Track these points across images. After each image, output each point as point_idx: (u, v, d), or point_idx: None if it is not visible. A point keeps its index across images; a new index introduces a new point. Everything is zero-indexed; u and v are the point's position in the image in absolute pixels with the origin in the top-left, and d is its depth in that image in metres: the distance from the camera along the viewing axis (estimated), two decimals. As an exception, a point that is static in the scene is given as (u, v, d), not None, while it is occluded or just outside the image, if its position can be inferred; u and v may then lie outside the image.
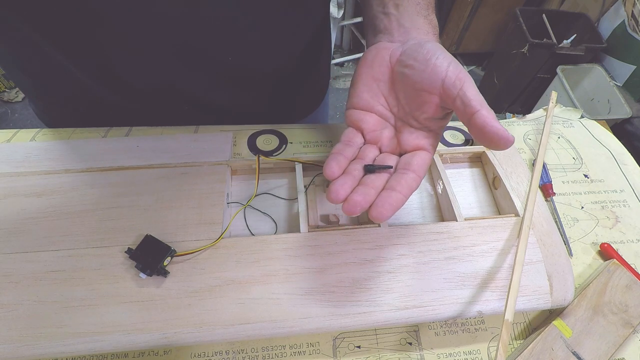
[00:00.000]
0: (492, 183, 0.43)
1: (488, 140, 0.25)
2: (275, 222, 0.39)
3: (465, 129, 0.51)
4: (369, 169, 0.29)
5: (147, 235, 0.33)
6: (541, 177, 0.44)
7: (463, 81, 0.27)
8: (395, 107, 0.32)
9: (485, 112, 0.25)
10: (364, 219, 0.40)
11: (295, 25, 0.44)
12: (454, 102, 0.27)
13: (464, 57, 1.95)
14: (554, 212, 0.44)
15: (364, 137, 0.32)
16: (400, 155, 0.31)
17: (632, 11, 1.36)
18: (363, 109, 0.32)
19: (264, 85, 0.49)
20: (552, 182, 0.46)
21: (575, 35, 1.46)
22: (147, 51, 0.39)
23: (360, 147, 0.32)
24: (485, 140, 0.25)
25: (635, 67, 1.38)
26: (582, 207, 0.46)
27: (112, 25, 0.35)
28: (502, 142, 0.24)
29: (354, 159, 0.30)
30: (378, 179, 0.28)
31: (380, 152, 0.32)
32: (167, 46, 0.39)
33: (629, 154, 0.51)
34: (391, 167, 0.29)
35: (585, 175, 0.48)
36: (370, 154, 0.31)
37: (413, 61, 0.29)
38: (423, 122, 0.30)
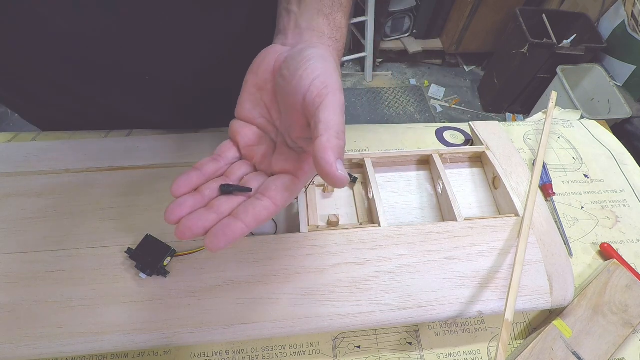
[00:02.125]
0: (492, 183, 0.43)
1: (320, 174, 0.21)
2: (275, 222, 0.39)
3: (465, 128, 0.51)
4: (225, 190, 0.26)
5: (147, 235, 0.33)
6: (541, 177, 0.44)
7: (323, 98, 0.22)
8: (278, 121, 0.29)
9: (324, 140, 0.21)
10: (364, 219, 0.40)
11: (214, 29, 0.39)
12: (310, 122, 0.23)
13: (464, 57, 1.95)
14: (554, 212, 0.44)
15: (240, 152, 0.30)
16: (271, 174, 0.28)
17: (632, 11, 1.36)
18: (244, 120, 0.29)
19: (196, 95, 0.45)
20: (552, 182, 0.46)
21: (575, 35, 1.46)
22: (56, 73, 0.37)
23: (233, 163, 0.29)
24: (319, 173, 0.21)
25: (635, 67, 1.38)
26: (582, 207, 0.46)
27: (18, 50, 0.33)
28: (330, 179, 0.20)
29: (218, 177, 0.28)
30: (227, 203, 0.25)
31: (256, 170, 0.29)
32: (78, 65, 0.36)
33: (629, 154, 0.51)
34: (250, 189, 0.26)
35: (585, 175, 0.48)
36: (239, 172, 0.28)
37: (287, 70, 0.25)
38: (296, 141, 0.27)
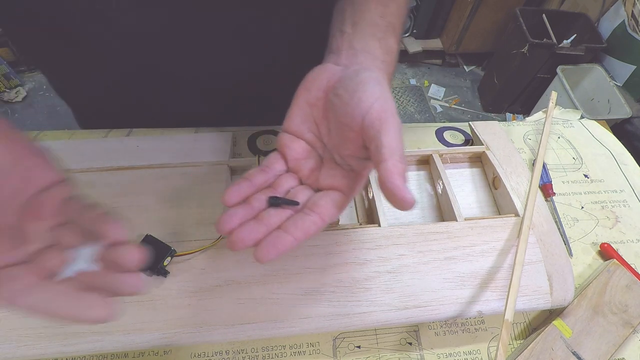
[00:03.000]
0: (492, 183, 0.43)
1: (387, 196, 0.21)
2: (275, 222, 0.39)
3: (465, 128, 0.51)
4: (273, 202, 0.26)
5: (147, 235, 0.33)
6: (541, 177, 0.44)
7: (383, 122, 0.23)
8: (326, 137, 0.29)
9: (390, 165, 0.21)
10: (364, 219, 0.40)
11: (269, 35, 0.42)
12: (370, 144, 0.23)
13: (464, 57, 1.95)
14: (554, 212, 0.44)
15: (287, 165, 0.30)
16: (318, 190, 0.28)
17: (632, 11, 1.36)
18: (293, 133, 0.30)
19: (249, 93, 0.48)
20: (552, 182, 0.46)
21: (575, 35, 1.46)
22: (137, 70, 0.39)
23: (280, 175, 0.29)
24: (385, 196, 0.22)
25: (635, 67, 1.38)
26: (582, 207, 0.46)
27: (90, 45, 0.36)
28: (399, 202, 0.21)
29: (266, 188, 0.28)
30: (276, 216, 0.25)
31: (301, 184, 0.29)
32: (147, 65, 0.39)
33: (629, 154, 0.51)
34: (297, 203, 0.26)
35: (585, 175, 0.48)
36: (286, 185, 0.28)
37: (343, 90, 0.26)
38: (346, 159, 0.27)
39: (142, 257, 0.21)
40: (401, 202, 0.21)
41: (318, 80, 0.29)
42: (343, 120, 0.26)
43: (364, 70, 0.27)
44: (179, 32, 0.37)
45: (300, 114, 0.29)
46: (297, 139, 0.30)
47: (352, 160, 0.27)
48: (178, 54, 0.40)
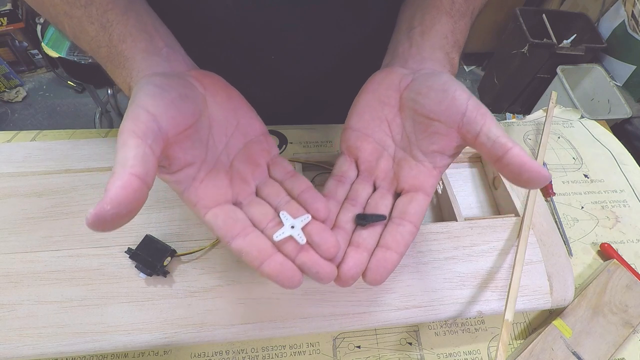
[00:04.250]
0: (492, 183, 0.43)
1: (525, 180, 0.22)
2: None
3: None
4: (361, 223, 0.26)
5: (147, 235, 0.33)
6: (541, 177, 0.44)
7: (485, 116, 0.24)
8: (399, 135, 0.29)
9: (518, 151, 0.23)
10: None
11: (350, 30, 0.42)
12: (477, 138, 0.24)
13: (464, 57, 1.95)
14: (554, 212, 0.44)
15: (357, 167, 0.30)
16: (397, 193, 0.28)
17: (632, 11, 1.36)
18: (362, 131, 0.30)
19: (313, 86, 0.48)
20: (552, 182, 0.46)
21: (575, 35, 1.46)
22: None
23: (353, 182, 0.29)
24: (521, 181, 0.23)
25: (635, 67, 1.38)
26: (582, 207, 0.46)
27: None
28: (541, 180, 0.22)
29: (345, 199, 0.28)
30: (370, 237, 0.25)
31: (375, 188, 0.29)
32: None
33: (629, 154, 0.51)
34: (385, 217, 0.26)
35: (585, 175, 0.48)
36: (364, 193, 0.28)
37: (428, 89, 0.27)
38: (429, 154, 0.27)
39: (337, 246, 0.23)
40: (544, 179, 0.22)
41: (387, 80, 0.29)
42: (434, 116, 0.26)
43: (441, 72, 0.28)
44: (279, 18, 0.37)
45: (370, 112, 0.30)
46: (367, 137, 0.29)
47: (436, 157, 0.27)
48: (270, 42, 0.39)
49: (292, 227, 0.23)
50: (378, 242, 0.25)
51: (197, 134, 0.25)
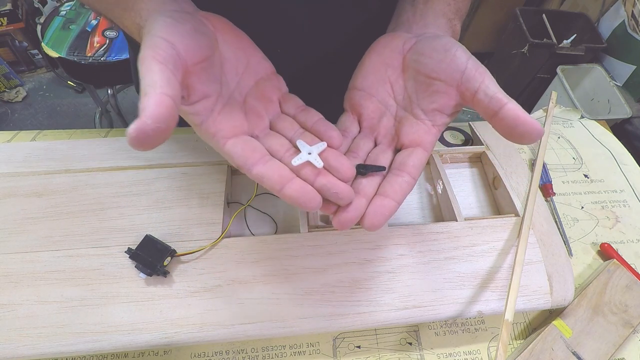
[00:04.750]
0: (492, 183, 0.43)
1: (519, 134, 0.23)
2: (276, 222, 0.39)
3: (465, 128, 0.51)
4: (362, 172, 0.27)
5: (147, 235, 0.33)
6: (541, 177, 0.44)
7: (484, 75, 0.26)
8: (400, 95, 0.30)
9: (514, 105, 0.24)
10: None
11: (349, 16, 0.42)
12: (475, 95, 0.26)
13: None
14: (554, 212, 0.44)
15: (360, 125, 0.31)
16: (396, 149, 0.29)
17: (632, 11, 1.36)
18: (366, 91, 0.31)
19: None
20: (552, 182, 0.46)
21: (575, 35, 1.45)
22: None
23: (355, 137, 0.30)
24: (515, 135, 0.24)
25: (635, 67, 1.38)
26: (582, 207, 0.46)
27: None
28: (535, 134, 0.23)
29: (347, 152, 0.29)
30: (370, 185, 0.26)
31: (376, 144, 0.30)
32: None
33: (629, 154, 0.51)
34: (384, 168, 0.27)
35: (585, 175, 0.48)
36: (365, 147, 0.29)
37: (431, 50, 0.28)
38: (430, 112, 0.29)
39: (353, 170, 0.25)
40: (538, 132, 0.23)
41: (392, 44, 0.30)
42: (436, 75, 0.27)
43: (442, 36, 0.29)
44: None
45: (375, 72, 0.30)
46: (370, 97, 0.30)
47: (436, 115, 0.28)
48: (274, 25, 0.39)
49: (309, 153, 0.24)
50: (377, 191, 0.26)
51: (212, 68, 0.25)
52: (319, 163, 0.23)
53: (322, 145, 0.25)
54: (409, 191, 0.26)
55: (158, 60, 0.20)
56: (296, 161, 0.23)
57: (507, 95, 0.24)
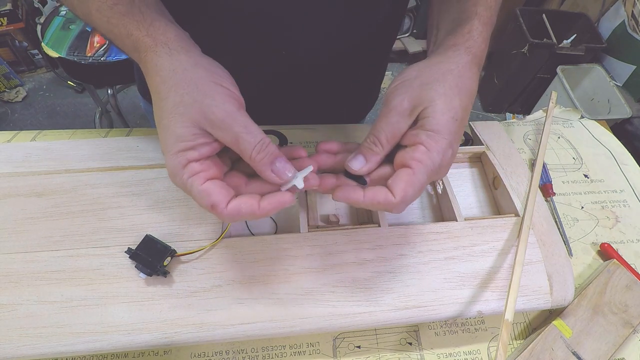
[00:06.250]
0: (492, 183, 0.43)
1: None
2: (275, 222, 0.39)
3: (465, 128, 0.51)
4: (349, 176, 0.29)
5: (147, 235, 0.33)
6: (541, 177, 0.44)
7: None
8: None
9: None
10: (363, 219, 0.40)
11: (359, 20, 0.43)
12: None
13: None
14: (554, 212, 0.44)
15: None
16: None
17: (632, 11, 1.36)
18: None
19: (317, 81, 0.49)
20: (552, 182, 0.46)
21: (575, 35, 1.46)
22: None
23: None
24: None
25: (635, 67, 1.38)
26: (582, 207, 0.46)
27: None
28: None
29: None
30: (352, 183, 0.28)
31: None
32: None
33: (629, 154, 0.51)
34: (365, 183, 0.29)
35: (585, 175, 0.48)
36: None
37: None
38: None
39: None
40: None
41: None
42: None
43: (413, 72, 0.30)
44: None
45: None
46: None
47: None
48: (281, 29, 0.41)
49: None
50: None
51: None
52: (300, 184, 0.26)
53: (308, 169, 0.27)
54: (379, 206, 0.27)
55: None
56: (283, 188, 0.26)
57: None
